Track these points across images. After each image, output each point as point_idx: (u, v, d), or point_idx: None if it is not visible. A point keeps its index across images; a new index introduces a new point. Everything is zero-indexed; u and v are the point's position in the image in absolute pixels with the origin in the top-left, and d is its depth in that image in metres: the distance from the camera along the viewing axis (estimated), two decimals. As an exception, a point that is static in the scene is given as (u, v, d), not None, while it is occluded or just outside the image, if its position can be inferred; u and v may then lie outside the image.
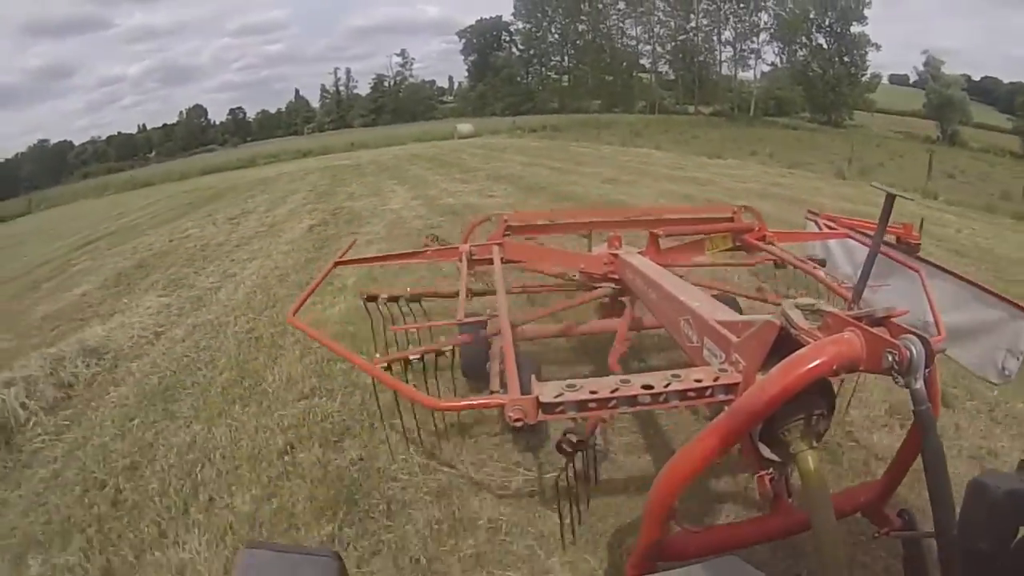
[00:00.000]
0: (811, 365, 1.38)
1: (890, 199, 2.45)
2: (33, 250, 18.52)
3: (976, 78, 66.00)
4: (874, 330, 1.47)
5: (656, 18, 68.57)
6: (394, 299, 3.87)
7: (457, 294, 3.29)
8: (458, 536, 3.20)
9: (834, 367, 1.42)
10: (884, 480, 1.96)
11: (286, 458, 3.94)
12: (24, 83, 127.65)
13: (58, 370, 5.75)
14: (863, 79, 65.80)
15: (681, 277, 3.46)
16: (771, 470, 1.67)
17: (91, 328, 7.15)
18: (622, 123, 46.49)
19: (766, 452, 1.61)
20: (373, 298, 3.80)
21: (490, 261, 3.62)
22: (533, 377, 1.88)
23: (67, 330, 7.50)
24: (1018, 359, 3.32)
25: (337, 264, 3.74)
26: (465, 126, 47.58)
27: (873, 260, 2.69)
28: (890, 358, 1.37)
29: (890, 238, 3.90)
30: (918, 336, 1.36)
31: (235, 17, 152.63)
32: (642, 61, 71.53)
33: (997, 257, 9.18)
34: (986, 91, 64.03)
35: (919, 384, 1.32)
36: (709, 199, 12.60)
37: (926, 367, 1.33)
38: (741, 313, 3.70)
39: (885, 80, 69.68)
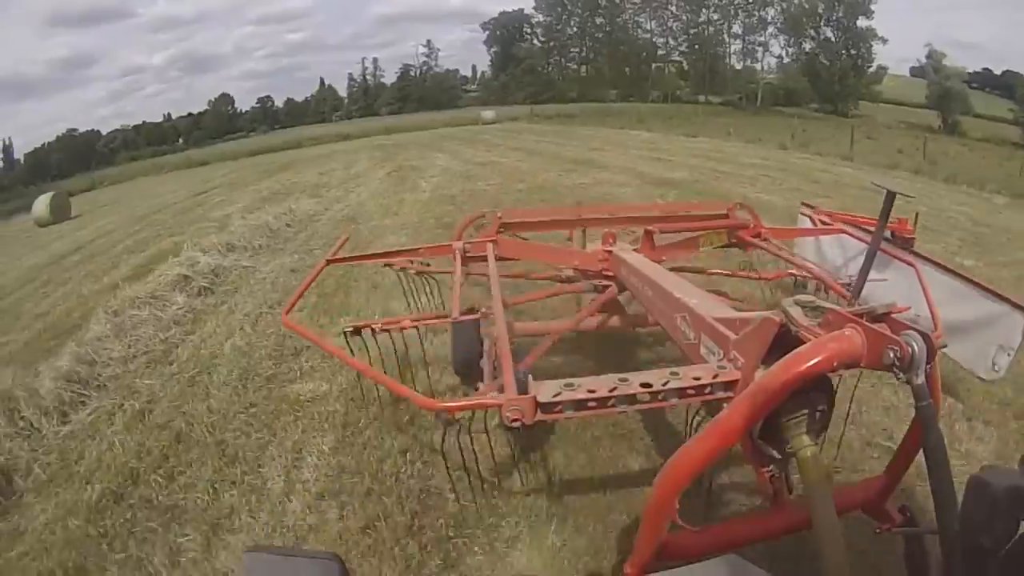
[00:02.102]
0: (812, 362, 1.44)
1: (890, 196, 2.49)
2: (144, 203, 24.32)
3: (998, 72, 68.84)
4: (875, 326, 1.50)
5: (669, 12, 74.09)
6: (403, 269, 4.41)
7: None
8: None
9: (835, 364, 1.47)
10: (885, 477, 1.97)
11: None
12: (47, 73, 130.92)
13: (278, 219, 11.90)
14: (869, 71, 69.95)
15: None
16: (772, 467, 1.74)
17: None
18: (632, 111, 51.99)
19: (767, 449, 1.66)
20: (390, 264, 4.31)
21: (484, 258, 3.74)
22: (530, 377, 1.95)
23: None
24: (1009, 355, 3.60)
25: (329, 262, 3.95)
26: (488, 113, 53.65)
27: (873, 257, 2.73)
28: (891, 355, 1.40)
29: (885, 233, 4.11)
30: (919, 332, 1.38)
31: (258, 5, 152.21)
32: (658, 53, 76.63)
33: (848, 185, 14.65)
34: (1007, 85, 66.12)
35: (920, 380, 1.35)
36: (658, 157, 18.70)
37: (928, 363, 1.36)
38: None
39: (905, 73, 72.87)
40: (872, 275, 3.85)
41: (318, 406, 4.60)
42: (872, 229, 3.93)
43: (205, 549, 3.32)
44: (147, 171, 52.94)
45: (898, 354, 1.37)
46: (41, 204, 25.83)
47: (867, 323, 1.50)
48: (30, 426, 4.79)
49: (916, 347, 1.34)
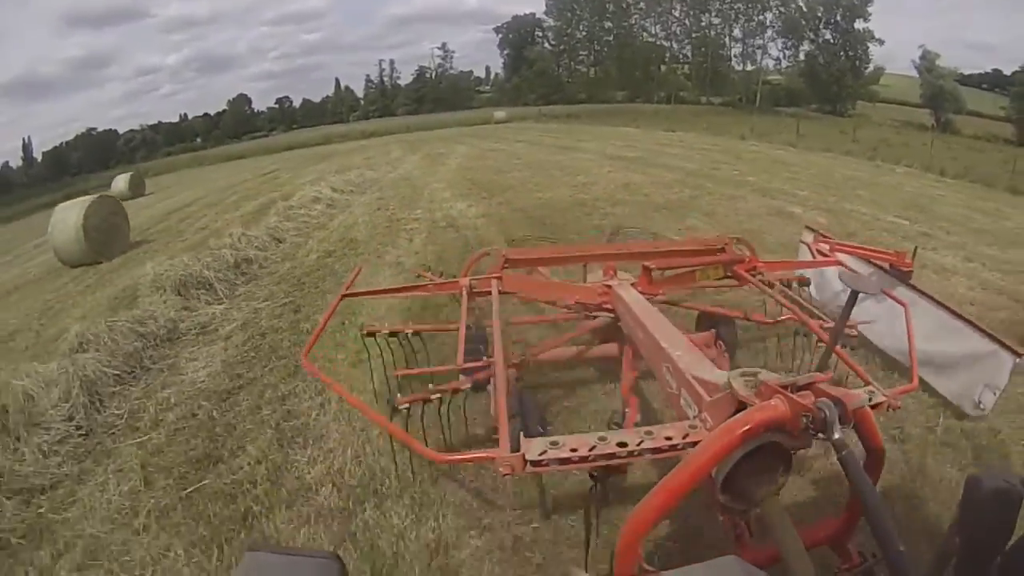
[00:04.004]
0: (744, 428, 1.71)
1: (853, 295, 2.72)
2: (214, 182, 30.59)
3: (1008, 73, 69.92)
4: (798, 395, 1.75)
5: (673, 17, 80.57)
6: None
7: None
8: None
9: (763, 429, 1.73)
10: (845, 516, 2.22)
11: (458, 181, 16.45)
12: (63, 73, 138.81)
13: (356, 178, 18.29)
14: (866, 71, 74.46)
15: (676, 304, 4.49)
16: (735, 515, 2.11)
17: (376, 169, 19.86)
18: (632, 112, 58.34)
19: (728, 500, 1.94)
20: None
21: (490, 293, 4.08)
22: (521, 434, 2.31)
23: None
24: (994, 394, 3.87)
25: (344, 296, 4.30)
26: (500, 113, 61.04)
27: (836, 341, 2.92)
28: (805, 420, 1.69)
29: (883, 264, 4.65)
30: (833, 400, 1.69)
31: (273, 6, 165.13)
32: (665, 56, 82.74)
33: (762, 160, 20.48)
34: (1014, 85, 67.30)
35: (836, 436, 1.63)
36: (626, 145, 25.06)
37: (843, 424, 1.66)
38: (736, 334, 4.72)
39: (914, 73, 77.37)
40: (869, 306, 4.28)
41: (416, 232, 10.91)
42: (872, 261, 4.60)
43: (378, 257, 9.47)
44: (188, 164, 60.37)
45: (811, 419, 1.67)
46: (121, 181, 31.52)
47: (790, 393, 1.76)
48: (260, 246, 10.78)
49: (828, 412, 1.65)
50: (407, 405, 3.11)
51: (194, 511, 3.97)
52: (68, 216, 13.57)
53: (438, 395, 3.17)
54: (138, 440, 4.95)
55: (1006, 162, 24.13)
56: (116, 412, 5.50)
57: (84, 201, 14.20)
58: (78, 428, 5.18)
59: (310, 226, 12.54)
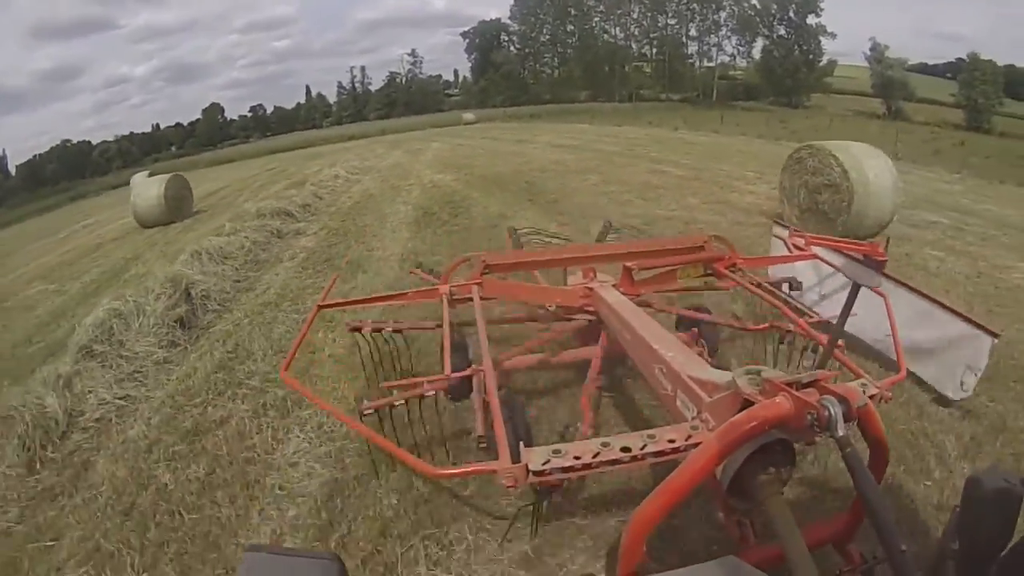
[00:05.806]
0: (748, 426, 1.75)
1: (855, 288, 2.75)
2: (223, 179, 36.01)
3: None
4: (801, 393, 1.77)
5: (631, 19, 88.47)
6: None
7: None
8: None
9: (767, 427, 1.77)
10: (848, 515, 2.26)
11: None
12: (32, 85, 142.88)
13: (359, 166, 24.79)
14: (820, 64, 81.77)
15: (654, 306, 4.75)
16: (740, 515, 2.19)
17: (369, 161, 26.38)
18: (590, 110, 65.65)
19: (734, 501, 2.01)
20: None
21: (470, 300, 4.17)
22: (522, 444, 2.28)
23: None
24: (976, 375, 4.05)
25: (320, 308, 4.31)
26: (468, 115, 68.23)
27: (840, 331, 2.96)
28: (809, 418, 1.70)
29: (857, 255, 4.69)
30: (838, 397, 1.70)
31: (242, 14, 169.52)
32: (626, 55, 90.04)
33: (686, 142, 27.23)
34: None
35: (841, 433, 1.65)
36: (572, 137, 31.94)
37: (847, 420, 1.68)
38: (717, 334, 4.88)
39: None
40: (847, 299, 3.99)
41: (413, 190, 17.52)
42: (847, 253, 4.77)
43: (391, 201, 15.98)
44: (183, 168, 64.36)
45: (815, 417, 1.68)
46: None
47: (794, 391, 1.78)
48: (306, 202, 17.08)
49: (833, 410, 1.67)
50: (372, 411, 3.21)
51: (330, 266, 10.05)
52: (149, 187, 18.72)
53: (402, 401, 3.28)
54: (289, 262, 10.98)
55: (927, 140, 28.55)
56: (269, 254, 11.51)
57: (163, 177, 19.50)
58: (253, 260, 10.89)
59: (337, 191, 18.97)
